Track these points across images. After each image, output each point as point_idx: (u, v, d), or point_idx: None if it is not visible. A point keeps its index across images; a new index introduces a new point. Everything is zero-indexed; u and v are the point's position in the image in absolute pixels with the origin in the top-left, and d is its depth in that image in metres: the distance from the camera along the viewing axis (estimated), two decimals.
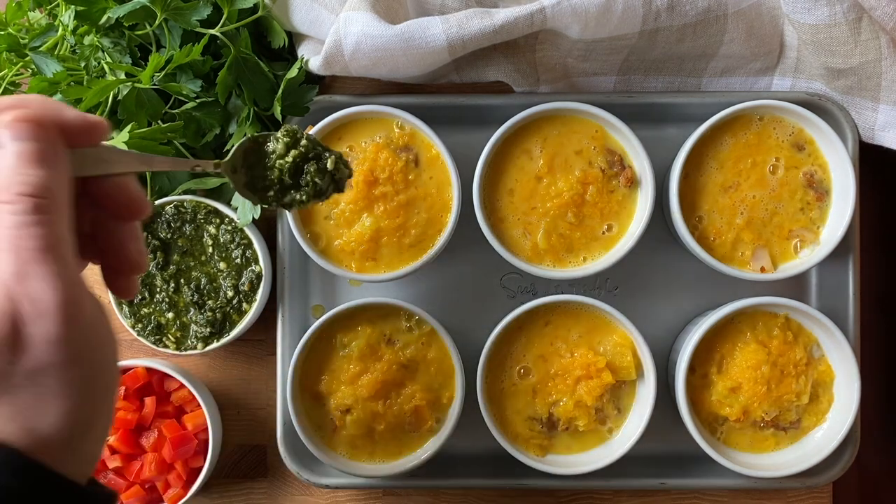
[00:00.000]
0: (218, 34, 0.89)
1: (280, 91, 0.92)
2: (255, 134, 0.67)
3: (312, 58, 0.94)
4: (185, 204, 0.96)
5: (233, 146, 0.70)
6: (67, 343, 0.48)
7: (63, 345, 0.48)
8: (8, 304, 0.47)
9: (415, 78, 0.97)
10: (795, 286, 0.98)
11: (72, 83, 0.88)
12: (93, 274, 1.06)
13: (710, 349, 0.93)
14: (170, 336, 0.96)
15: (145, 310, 0.96)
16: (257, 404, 1.02)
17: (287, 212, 0.91)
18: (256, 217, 0.94)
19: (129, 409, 0.93)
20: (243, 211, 0.94)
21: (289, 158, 0.66)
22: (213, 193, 0.99)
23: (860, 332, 0.96)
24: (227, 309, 0.96)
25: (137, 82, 0.87)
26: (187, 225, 0.96)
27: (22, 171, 0.49)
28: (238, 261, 0.96)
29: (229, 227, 0.96)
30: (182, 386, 0.96)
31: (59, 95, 0.88)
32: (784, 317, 0.93)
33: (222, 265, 0.96)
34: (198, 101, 0.91)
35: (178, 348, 0.96)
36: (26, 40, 0.92)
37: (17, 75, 0.93)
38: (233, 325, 0.96)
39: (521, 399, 0.93)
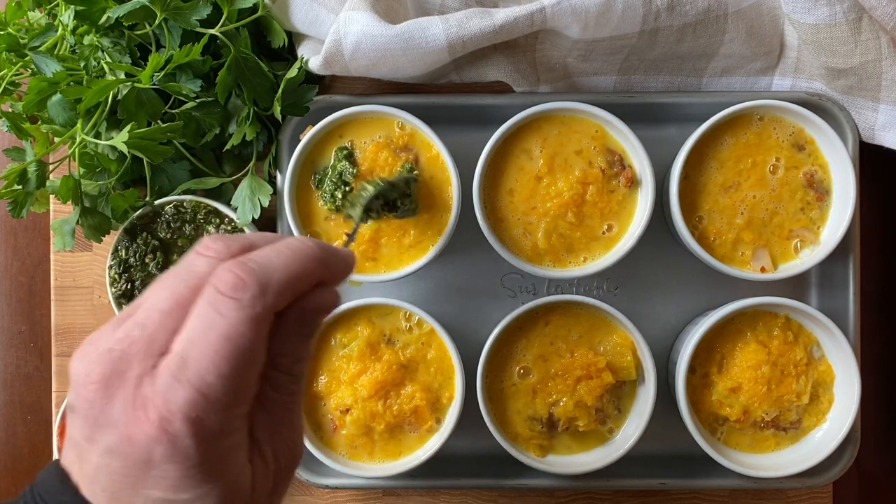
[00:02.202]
0: (218, 34, 0.89)
1: (280, 91, 0.92)
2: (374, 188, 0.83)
3: (312, 58, 0.94)
4: (184, 204, 0.96)
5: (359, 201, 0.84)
6: None
7: None
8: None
9: (415, 78, 0.97)
10: (795, 286, 0.98)
11: (71, 83, 0.88)
12: (93, 274, 1.05)
13: (711, 349, 0.93)
14: None
15: None
16: None
17: (287, 212, 0.92)
18: (256, 217, 0.94)
19: None
20: (243, 211, 0.94)
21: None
22: (213, 193, 0.99)
23: (860, 332, 0.96)
24: None
25: (137, 82, 0.87)
26: (187, 225, 0.96)
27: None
28: None
29: (229, 227, 0.96)
30: None
31: (58, 95, 0.88)
32: (784, 317, 0.93)
33: None
34: (198, 101, 0.91)
35: None
36: (26, 40, 0.92)
37: (16, 75, 0.93)
38: None
39: (521, 399, 0.93)
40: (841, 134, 0.93)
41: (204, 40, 0.88)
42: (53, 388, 1.03)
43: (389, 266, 0.93)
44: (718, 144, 0.92)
